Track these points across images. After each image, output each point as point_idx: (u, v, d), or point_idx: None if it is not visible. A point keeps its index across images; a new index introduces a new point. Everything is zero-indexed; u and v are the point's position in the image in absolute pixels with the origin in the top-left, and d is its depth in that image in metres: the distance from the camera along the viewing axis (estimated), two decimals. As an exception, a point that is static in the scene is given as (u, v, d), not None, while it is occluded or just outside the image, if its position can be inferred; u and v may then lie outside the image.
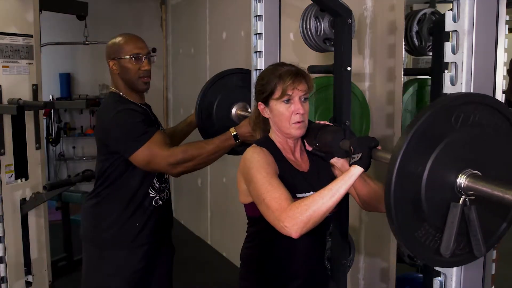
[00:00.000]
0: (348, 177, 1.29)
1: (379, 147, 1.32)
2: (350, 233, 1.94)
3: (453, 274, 1.15)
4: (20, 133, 3.08)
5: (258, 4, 1.86)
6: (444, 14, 1.13)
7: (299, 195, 1.50)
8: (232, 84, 2.24)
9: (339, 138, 1.46)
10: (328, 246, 1.84)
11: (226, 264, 4.22)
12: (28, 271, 3.18)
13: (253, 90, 1.99)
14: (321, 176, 1.60)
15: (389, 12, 2.39)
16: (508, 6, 1.67)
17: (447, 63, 1.13)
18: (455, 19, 1.11)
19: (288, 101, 1.50)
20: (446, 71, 1.13)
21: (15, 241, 3.07)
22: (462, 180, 1.03)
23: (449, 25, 1.12)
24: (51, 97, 5.58)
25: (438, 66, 2.08)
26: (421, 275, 2.33)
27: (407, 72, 2.35)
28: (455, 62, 1.11)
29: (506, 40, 1.77)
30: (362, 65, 2.53)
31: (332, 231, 1.84)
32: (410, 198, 1.02)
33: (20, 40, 3.07)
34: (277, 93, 1.50)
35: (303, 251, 1.57)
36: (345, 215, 1.82)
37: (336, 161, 1.57)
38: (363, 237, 2.64)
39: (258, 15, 1.87)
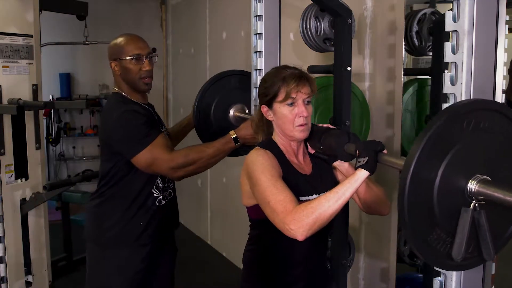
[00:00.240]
0: (354, 180, 1.29)
1: (384, 151, 1.32)
2: (350, 233, 1.94)
3: (453, 274, 1.15)
4: (20, 133, 3.08)
5: (258, 4, 1.86)
6: (444, 14, 1.13)
7: (303, 198, 1.50)
8: (230, 85, 2.25)
9: (344, 142, 1.47)
10: (328, 246, 1.84)
11: (226, 264, 4.22)
12: (28, 271, 3.18)
13: (253, 91, 1.99)
14: (324, 179, 1.60)
15: (389, 12, 2.39)
16: (508, 6, 1.67)
17: (447, 63, 1.13)
18: (455, 19, 1.11)
19: (291, 104, 1.50)
20: (446, 71, 1.14)
21: (15, 241, 3.07)
22: (472, 185, 1.04)
23: (449, 25, 1.12)
24: (51, 97, 5.58)
25: (438, 66, 2.08)
26: (421, 275, 2.34)
27: (407, 72, 2.35)
28: (455, 62, 1.11)
29: (506, 40, 1.77)
30: (362, 65, 2.53)
31: (332, 231, 1.84)
32: (422, 203, 1.03)
33: (20, 40, 3.07)
34: (281, 96, 1.50)
35: (305, 253, 1.57)
36: (345, 215, 1.83)
37: (339, 164, 1.57)
38: (363, 237, 2.64)
39: (258, 15, 1.87)
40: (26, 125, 3.10)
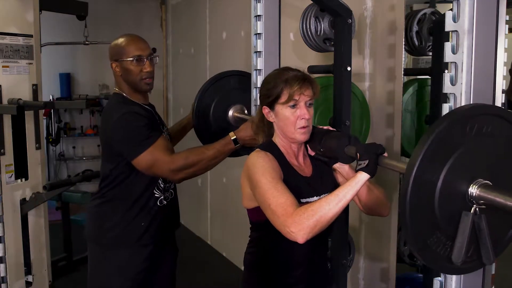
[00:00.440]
0: (355, 183, 1.30)
1: (385, 154, 1.32)
2: (350, 233, 1.94)
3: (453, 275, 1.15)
4: (20, 133, 3.08)
5: (258, 4, 1.86)
6: (444, 14, 1.13)
7: (303, 200, 1.50)
8: (229, 86, 2.25)
9: (344, 144, 1.47)
10: (328, 246, 1.84)
11: (226, 264, 4.22)
12: (28, 271, 3.18)
13: (253, 92, 1.99)
14: (324, 181, 1.60)
15: (389, 12, 2.39)
16: (508, 6, 1.67)
17: (447, 63, 1.13)
18: (455, 19, 1.11)
19: (294, 106, 1.50)
20: (446, 71, 1.14)
21: (15, 241, 3.07)
22: (473, 189, 1.04)
23: (449, 25, 1.12)
24: (51, 97, 5.58)
25: (438, 66, 2.08)
26: (421, 275, 2.34)
27: (407, 72, 2.35)
28: (455, 62, 1.11)
29: (506, 40, 1.77)
30: (362, 65, 2.53)
31: (332, 231, 1.84)
32: (424, 206, 1.04)
33: (20, 40, 3.07)
34: (284, 98, 1.50)
35: (306, 255, 1.57)
36: (345, 215, 1.83)
37: (339, 166, 1.57)
38: (363, 237, 2.64)
39: (258, 15, 1.87)
40: (26, 125, 3.10)
